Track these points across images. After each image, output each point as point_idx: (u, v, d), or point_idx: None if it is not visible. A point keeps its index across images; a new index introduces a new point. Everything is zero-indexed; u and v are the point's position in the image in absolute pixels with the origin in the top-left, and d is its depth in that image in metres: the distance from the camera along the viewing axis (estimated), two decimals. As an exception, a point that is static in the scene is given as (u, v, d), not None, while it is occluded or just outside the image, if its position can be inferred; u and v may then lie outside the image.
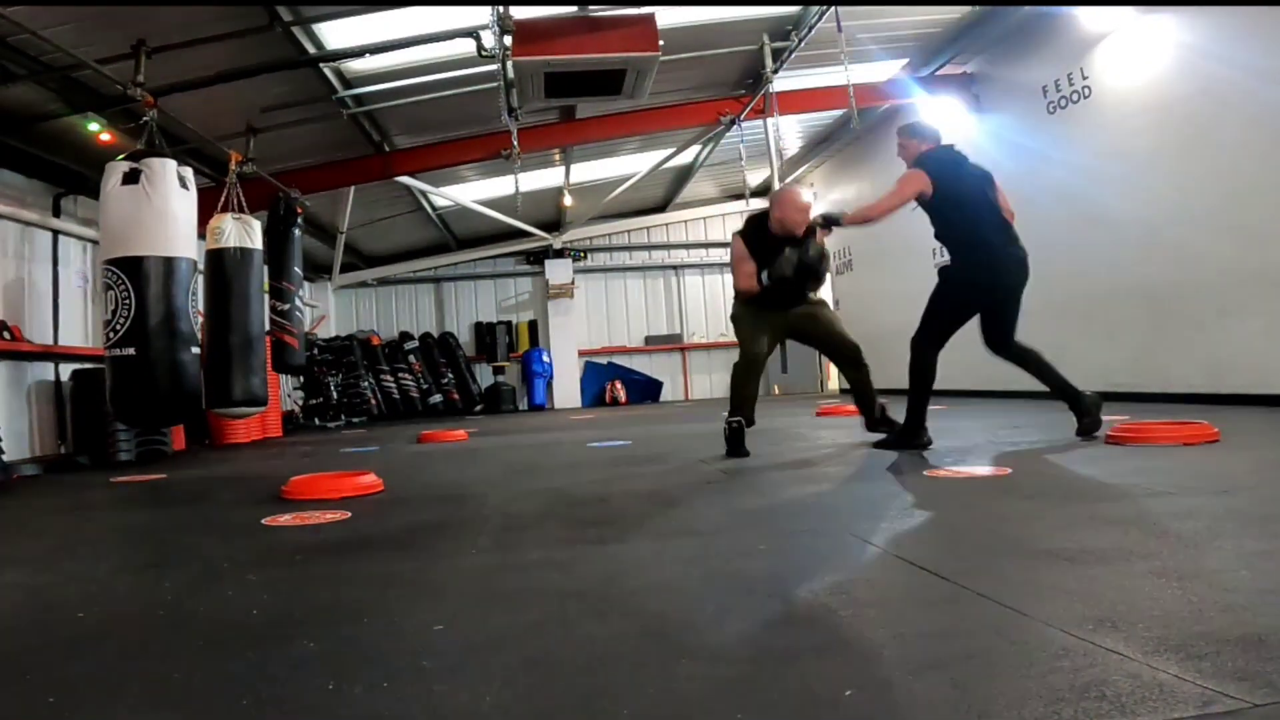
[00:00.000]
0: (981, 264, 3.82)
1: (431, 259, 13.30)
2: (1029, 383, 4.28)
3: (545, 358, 13.01)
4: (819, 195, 12.41)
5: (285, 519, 2.91)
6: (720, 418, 4.50)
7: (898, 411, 4.20)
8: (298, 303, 7.41)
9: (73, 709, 1.25)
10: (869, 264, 10.60)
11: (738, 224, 14.69)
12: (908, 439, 3.98)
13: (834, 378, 12.42)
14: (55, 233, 6.34)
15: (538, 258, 13.31)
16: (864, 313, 9.83)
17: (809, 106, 8.65)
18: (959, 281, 3.90)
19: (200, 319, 4.90)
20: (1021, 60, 7.44)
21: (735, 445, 4.15)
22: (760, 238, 4.25)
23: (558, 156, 9.77)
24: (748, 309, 4.33)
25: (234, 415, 6.13)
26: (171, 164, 4.55)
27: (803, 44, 6.71)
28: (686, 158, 10.45)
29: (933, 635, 1.33)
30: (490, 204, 10.92)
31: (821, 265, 4.21)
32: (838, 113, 9.18)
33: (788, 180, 12.10)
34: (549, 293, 13.11)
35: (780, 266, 4.12)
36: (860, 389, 4.39)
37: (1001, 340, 3.95)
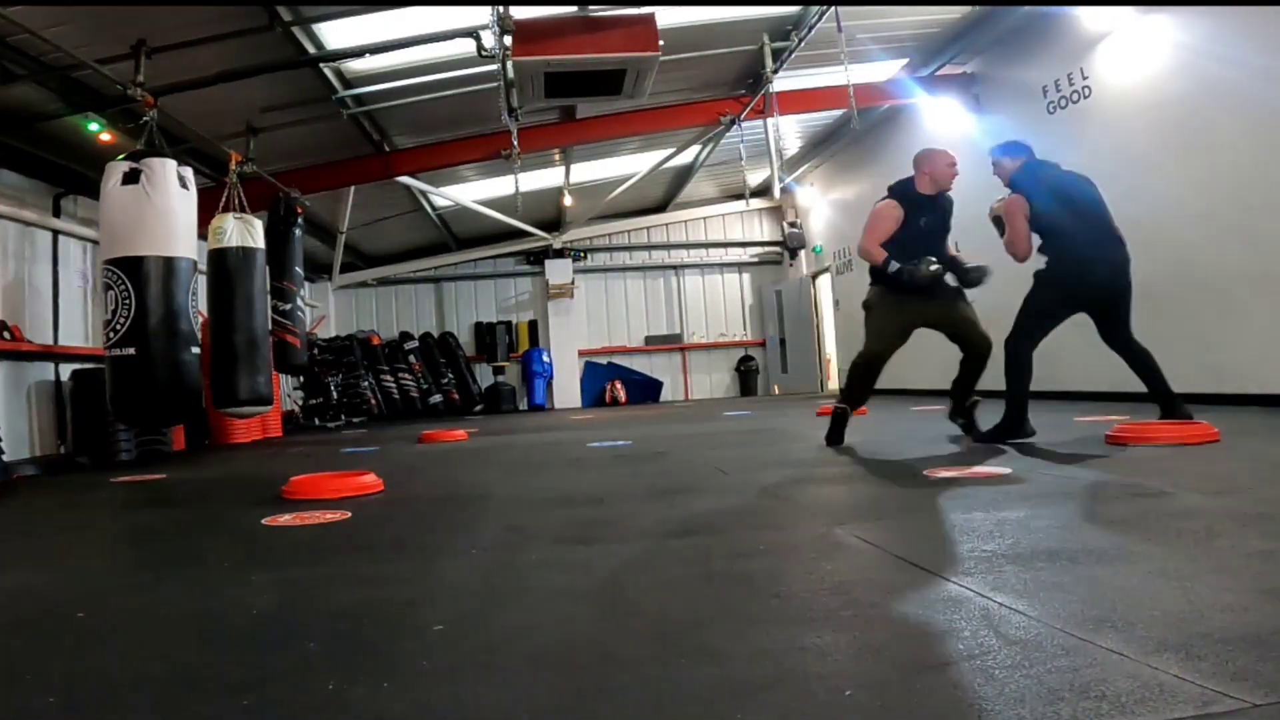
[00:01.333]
0: (1068, 267, 3.99)
1: (431, 259, 13.30)
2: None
3: (545, 358, 13.01)
4: (819, 195, 12.42)
5: (285, 519, 2.91)
6: (720, 417, 4.51)
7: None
8: (299, 303, 7.42)
9: (73, 709, 1.25)
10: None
11: (738, 224, 14.50)
12: (1013, 431, 4.05)
13: (834, 377, 12.41)
14: (55, 233, 6.34)
15: (538, 258, 13.31)
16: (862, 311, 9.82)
17: (809, 106, 8.65)
18: (1047, 284, 4.05)
19: (201, 319, 4.91)
20: (1021, 60, 7.43)
21: (835, 431, 4.30)
22: (911, 204, 4.20)
23: (558, 156, 9.77)
24: (887, 299, 4.25)
25: (240, 415, 6.14)
26: (171, 164, 4.55)
27: (803, 44, 6.71)
28: (686, 158, 10.45)
29: (933, 635, 1.33)
30: (490, 204, 10.92)
31: (977, 278, 4.24)
32: (838, 113, 9.18)
33: (796, 177, 12.12)
34: (549, 293, 13.11)
35: (932, 260, 4.06)
36: (972, 378, 4.38)
37: (1113, 337, 4.16)
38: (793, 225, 12.98)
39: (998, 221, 4.23)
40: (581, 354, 13.36)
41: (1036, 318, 4.07)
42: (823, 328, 12.68)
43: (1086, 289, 4.03)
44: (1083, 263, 3.99)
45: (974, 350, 4.31)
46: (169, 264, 4.49)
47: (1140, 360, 4.15)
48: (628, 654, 1.36)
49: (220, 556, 2.42)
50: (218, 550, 2.55)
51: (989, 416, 4.24)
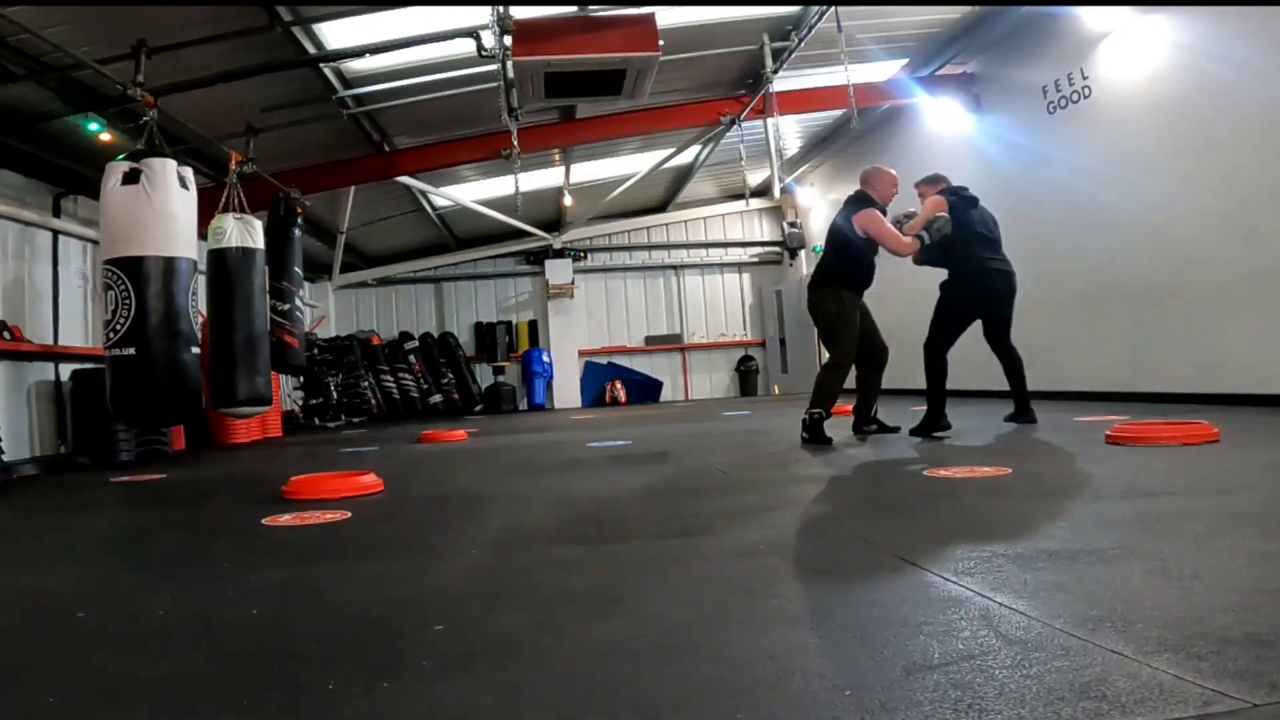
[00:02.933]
0: (969, 279, 4.64)
1: (431, 259, 13.30)
2: (1028, 383, 4.47)
3: (545, 358, 13.01)
4: (819, 195, 12.43)
5: (285, 519, 2.91)
6: (720, 417, 4.53)
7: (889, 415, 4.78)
8: (298, 303, 7.41)
9: (73, 709, 1.25)
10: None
11: (738, 224, 14.50)
12: (932, 426, 4.55)
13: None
14: (55, 233, 6.34)
15: (538, 258, 13.30)
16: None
17: (809, 106, 8.64)
18: (953, 294, 4.71)
19: (201, 319, 4.91)
20: (1021, 60, 7.43)
21: (820, 434, 4.49)
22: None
23: (558, 156, 9.76)
24: (850, 304, 4.63)
25: (238, 415, 6.14)
26: (171, 164, 4.55)
27: (803, 44, 6.70)
28: (686, 158, 10.44)
29: (933, 635, 1.34)
30: (490, 204, 10.92)
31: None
32: (838, 113, 9.17)
33: (796, 177, 12.14)
34: (549, 293, 13.11)
35: (939, 226, 4.59)
36: (873, 389, 4.84)
37: (996, 340, 4.79)
38: (793, 225, 12.94)
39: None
40: (581, 354, 13.35)
41: (947, 323, 4.68)
42: (823, 328, 12.65)
43: (985, 296, 4.65)
44: (985, 275, 4.62)
45: (877, 356, 4.79)
46: (169, 264, 4.49)
47: (1013, 364, 4.78)
48: (627, 654, 1.36)
49: (220, 556, 2.42)
50: (218, 550, 2.55)
51: (983, 414, 4.28)
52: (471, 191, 10.70)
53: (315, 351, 10.66)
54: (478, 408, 12.64)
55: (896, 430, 4.75)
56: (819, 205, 12.46)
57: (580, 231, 13.14)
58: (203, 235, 5.23)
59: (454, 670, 1.33)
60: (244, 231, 5.73)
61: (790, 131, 10.46)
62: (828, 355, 4.75)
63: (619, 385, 13.36)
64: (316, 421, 10.73)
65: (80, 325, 6.59)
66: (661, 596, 1.71)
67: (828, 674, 1.20)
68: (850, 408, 5.01)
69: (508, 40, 5.31)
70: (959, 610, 1.46)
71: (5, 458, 5.21)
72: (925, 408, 4.60)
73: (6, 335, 5.63)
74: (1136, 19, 6.09)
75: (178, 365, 4.48)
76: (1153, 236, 6.03)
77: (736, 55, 7.50)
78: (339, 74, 6.46)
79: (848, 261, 4.68)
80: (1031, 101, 7.24)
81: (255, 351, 5.71)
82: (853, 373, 4.74)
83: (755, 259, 14.01)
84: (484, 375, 13.08)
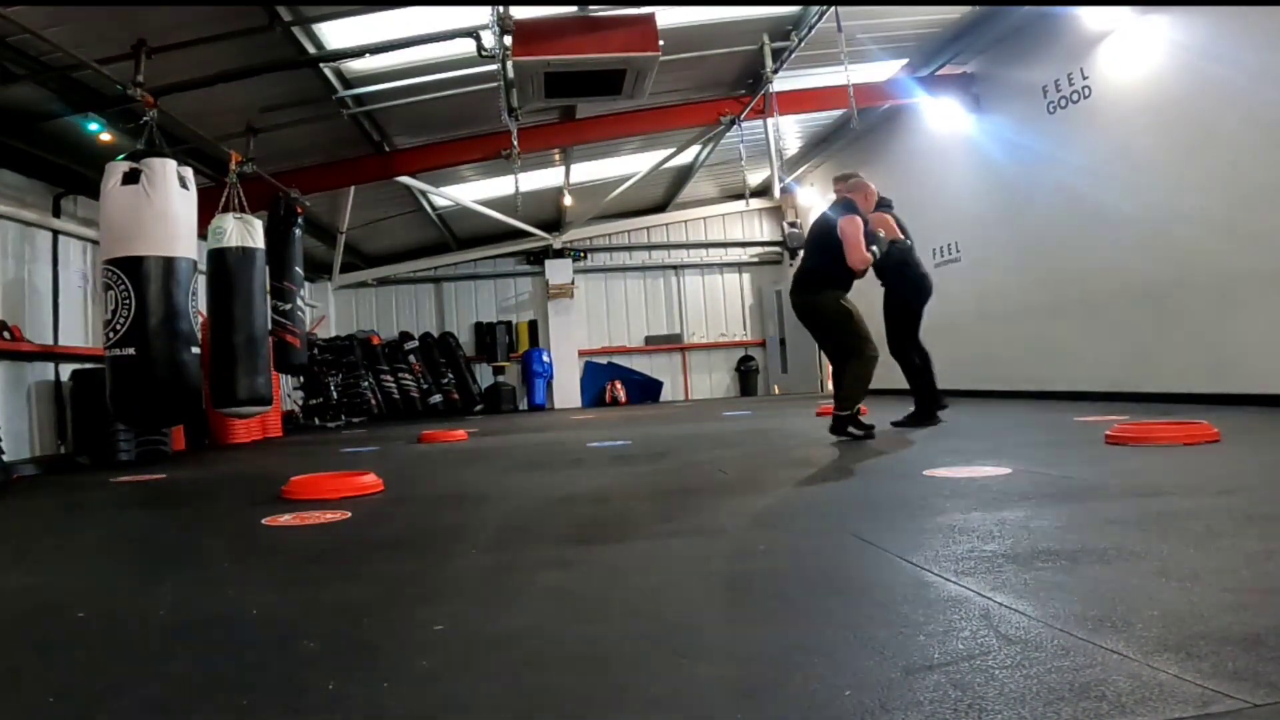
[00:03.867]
0: (910, 283, 5.21)
1: (431, 259, 13.30)
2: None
3: (545, 358, 13.01)
4: (819, 195, 12.44)
5: (285, 519, 2.91)
6: (720, 417, 4.53)
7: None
8: (299, 302, 7.42)
9: (73, 709, 1.25)
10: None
11: (738, 224, 14.52)
12: (926, 418, 5.14)
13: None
14: (55, 233, 6.34)
15: (538, 258, 13.31)
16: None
17: (809, 106, 8.64)
18: (901, 299, 5.25)
19: (201, 319, 4.91)
20: (1021, 60, 7.43)
21: (864, 425, 4.62)
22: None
23: (558, 156, 9.77)
24: (850, 302, 4.71)
25: (239, 415, 6.15)
26: (171, 164, 4.55)
27: (803, 44, 6.71)
28: (686, 158, 10.44)
29: (933, 635, 1.34)
30: (490, 204, 10.92)
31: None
32: (838, 113, 9.18)
33: (796, 177, 12.15)
34: (549, 293, 13.11)
35: (882, 245, 4.84)
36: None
37: (914, 339, 5.21)
38: (793, 225, 12.94)
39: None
40: (581, 354, 13.36)
41: (901, 326, 5.23)
42: (823, 328, 12.66)
43: (922, 298, 5.21)
44: (920, 279, 5.24)
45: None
46: (169, 264, 4.49)
47: (926, 361, 5.20)
48: (627, 654, 1.36)
49: (220, 556, 2.42)
50: (217, 550, 2.55)
51: (982, 414, 4.26)
52: (471, 191, 10.70)
53: (315, 351, 10.67)
54: (478, 408, 12.64)
55: (872, 428, 4.86)
56: (819, 205, 12.42)
57: (580, 231, 13.14)
58: (203, 235, 5.23)
59: (454, 670, 1.33)
60: (244, 231, 5.73)
61: (790, 131, 10.46)
62: (854, 352, 4.66)
63: (619, 385, 13.36)
64: (316, 421, 10.73)
65: (80, 325, 6.59)
66: (662, 596, 1.71)
67: (828, 674, 1.20)
68: (830, 408, 4.97)
69: (508, 40, 5.32)
70: (959, 610, 1.46)
71: (5, 458, 5.21)
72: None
73: (6, 335, 5.63)
74: (1136, 19, 6.09)
75: (178, 365, 4.48)
76: (1153, 236, 6.03)
77: (736, 55, 7.50)
78: (339, 74, 6.46)
79: (838, 265, 4.73)
80: (1031, 101, 7.24)
81: (256, 351, 5.72)
82: (830, 369, 4.88)
83: (755, 259, 14.01)
84: (484, 375, 13.09)
